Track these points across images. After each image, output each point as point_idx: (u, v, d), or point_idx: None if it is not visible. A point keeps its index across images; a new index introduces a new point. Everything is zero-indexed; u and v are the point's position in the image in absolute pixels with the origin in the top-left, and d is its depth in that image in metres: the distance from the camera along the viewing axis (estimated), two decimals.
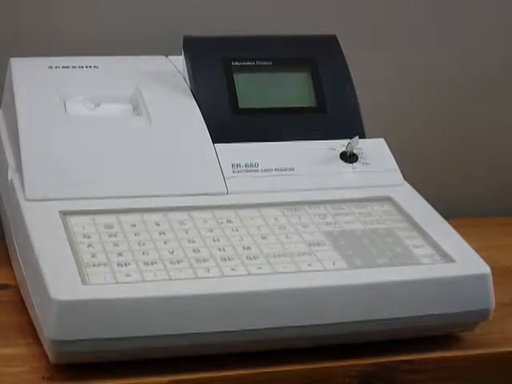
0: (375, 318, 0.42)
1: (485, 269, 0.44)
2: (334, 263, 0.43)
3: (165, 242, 0.43)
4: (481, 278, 0.44)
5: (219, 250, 0.43)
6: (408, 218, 0.48)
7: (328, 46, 0.58)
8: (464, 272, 0.44)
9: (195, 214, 0.46)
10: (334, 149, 0.53)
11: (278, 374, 0.42)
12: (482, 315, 0.44)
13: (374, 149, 0.54)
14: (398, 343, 0.44)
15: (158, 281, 0.39)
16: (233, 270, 0.41)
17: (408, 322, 0.42)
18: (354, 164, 0.52)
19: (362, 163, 0.53)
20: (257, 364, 0.42)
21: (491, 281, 0.44)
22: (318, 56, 0.57)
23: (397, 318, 0.42)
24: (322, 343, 0.43)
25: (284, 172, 0.51)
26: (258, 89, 0.56)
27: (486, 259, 0.45)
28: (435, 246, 0.46)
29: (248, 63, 0.56)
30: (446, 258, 0.45)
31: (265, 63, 0.56)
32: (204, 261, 0.42)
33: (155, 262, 0.41)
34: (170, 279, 0.40)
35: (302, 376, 0.42)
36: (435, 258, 0.45)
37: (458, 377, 0.45)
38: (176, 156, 0.50)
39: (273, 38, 0.59)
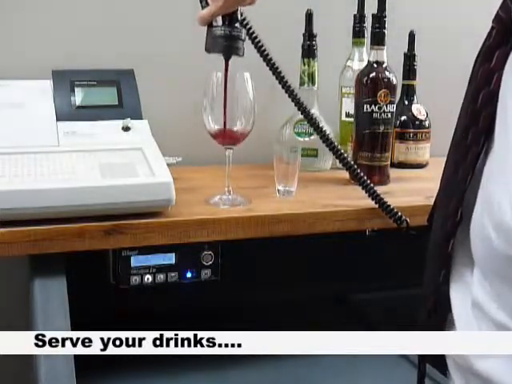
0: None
1: (168, 180, 0.92)
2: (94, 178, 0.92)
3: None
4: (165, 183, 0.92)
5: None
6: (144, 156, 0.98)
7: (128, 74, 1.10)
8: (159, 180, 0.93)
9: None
10: (123, 125, 1.03)
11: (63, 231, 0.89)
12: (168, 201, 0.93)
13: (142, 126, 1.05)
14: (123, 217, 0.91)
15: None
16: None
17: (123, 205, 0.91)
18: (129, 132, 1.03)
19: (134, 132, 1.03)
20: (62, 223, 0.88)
21: (172, 185, 0.92)
22: (121, 79, 1.08)
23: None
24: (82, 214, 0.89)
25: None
26: (87, 95, 1.07)
27: None
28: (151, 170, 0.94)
29: (83, 82, 1.07)
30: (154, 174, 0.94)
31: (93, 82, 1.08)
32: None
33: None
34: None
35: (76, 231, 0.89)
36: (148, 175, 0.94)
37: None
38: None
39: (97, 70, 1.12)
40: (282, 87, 0.98)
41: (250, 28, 0.95)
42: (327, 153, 1.25)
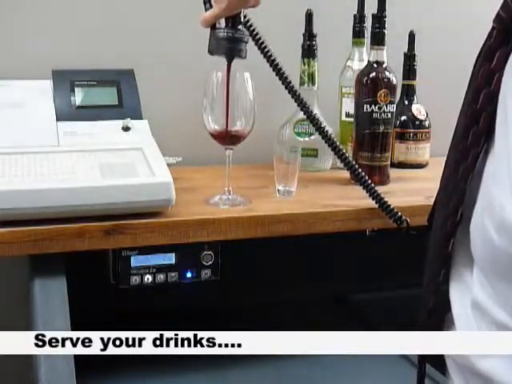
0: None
1: (168, 180, 0.92)
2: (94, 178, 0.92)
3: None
4: (165, 183, 0.92)
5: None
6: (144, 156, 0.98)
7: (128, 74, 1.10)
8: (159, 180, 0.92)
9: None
10: (123, 125, 1.03)
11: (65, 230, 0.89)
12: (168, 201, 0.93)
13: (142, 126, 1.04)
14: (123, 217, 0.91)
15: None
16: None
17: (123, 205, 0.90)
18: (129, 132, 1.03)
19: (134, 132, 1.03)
20: (62, 223, 0.88)
21: (172, 185, 0.92)
22: (121, 79, 1.08)
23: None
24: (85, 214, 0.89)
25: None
26: (87, 95, 1.07)
27: None
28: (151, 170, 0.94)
29: (83, 82, 1.07)
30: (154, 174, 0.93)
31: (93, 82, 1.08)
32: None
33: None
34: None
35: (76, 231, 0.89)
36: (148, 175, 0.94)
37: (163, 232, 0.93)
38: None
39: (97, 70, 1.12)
40: (285, 88, 0.99)
41: (254, 30, 0.95)
42: (327, 153, 1.26)
